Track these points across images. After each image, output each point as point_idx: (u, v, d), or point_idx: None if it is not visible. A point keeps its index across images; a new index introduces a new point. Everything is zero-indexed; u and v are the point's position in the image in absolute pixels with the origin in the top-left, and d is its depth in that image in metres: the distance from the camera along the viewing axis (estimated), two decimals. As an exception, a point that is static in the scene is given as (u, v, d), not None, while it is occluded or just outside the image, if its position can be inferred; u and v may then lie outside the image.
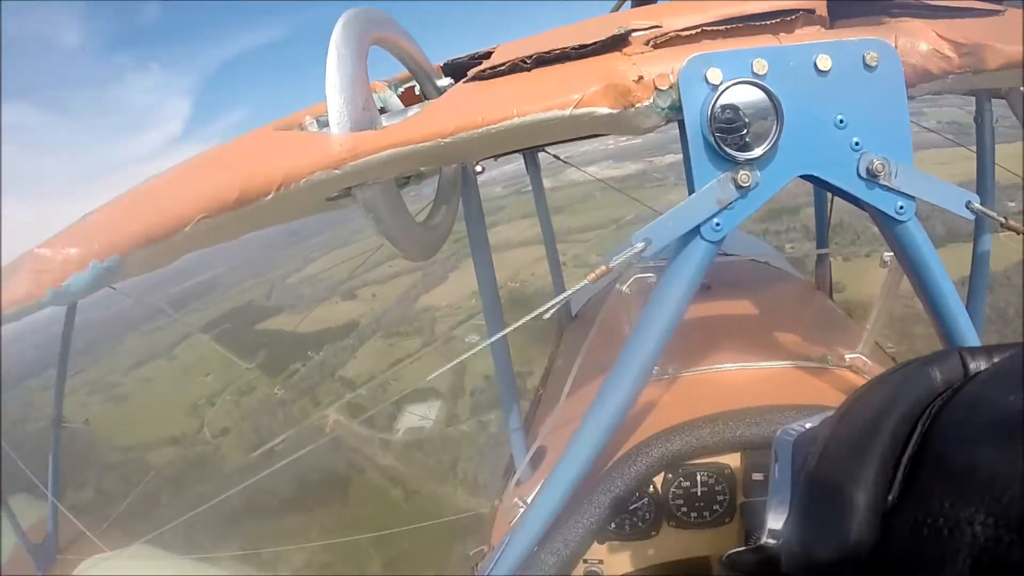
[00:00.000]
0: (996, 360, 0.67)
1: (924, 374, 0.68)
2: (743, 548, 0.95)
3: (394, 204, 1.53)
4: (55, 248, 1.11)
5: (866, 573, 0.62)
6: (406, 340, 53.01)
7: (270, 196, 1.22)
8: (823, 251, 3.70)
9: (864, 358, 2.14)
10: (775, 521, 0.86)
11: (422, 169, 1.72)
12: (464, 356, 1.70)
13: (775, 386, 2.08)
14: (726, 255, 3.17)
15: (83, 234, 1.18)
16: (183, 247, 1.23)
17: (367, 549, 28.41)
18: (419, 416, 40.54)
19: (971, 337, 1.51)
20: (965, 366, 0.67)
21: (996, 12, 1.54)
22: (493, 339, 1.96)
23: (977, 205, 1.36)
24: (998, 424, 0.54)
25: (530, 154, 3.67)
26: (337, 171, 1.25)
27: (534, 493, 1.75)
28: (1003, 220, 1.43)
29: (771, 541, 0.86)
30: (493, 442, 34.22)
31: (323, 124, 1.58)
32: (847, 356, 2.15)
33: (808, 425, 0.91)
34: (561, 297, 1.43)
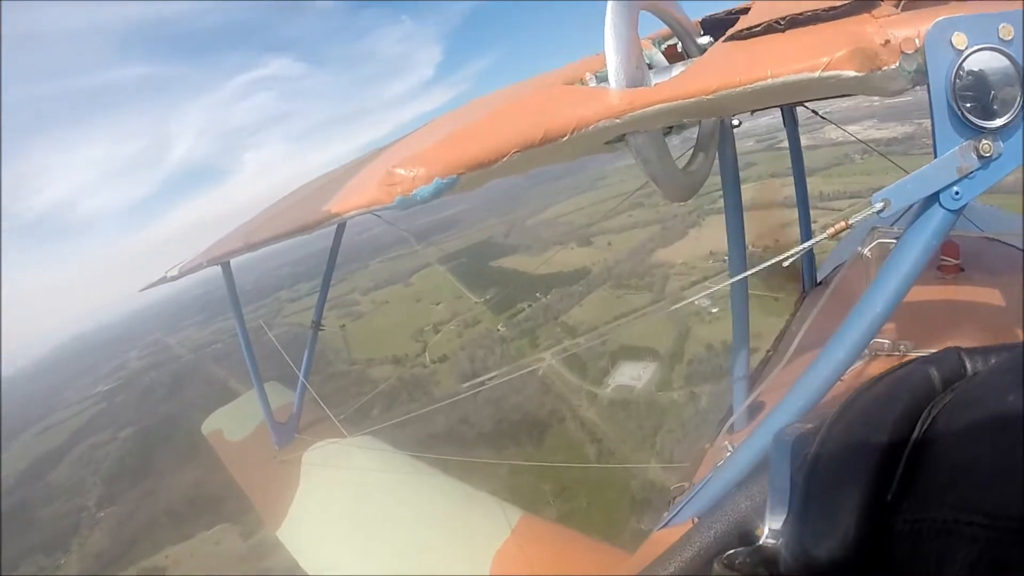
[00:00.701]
0: (994, 360, 0.68)
1: (923, 374, 0.69)
2: (742, 548, 0.95)
3: (660, 150, 1.73)
4: (408, 167, 1.30)
5: (865, 573, 0.62)
6: (635, 294, 52.37)
7: (566, 138, 1.38)
8: None
9: None
10: (775, 521, 0.85)
11: (685, 120, 1.86)
12: (703, 294, 2.03)
13: None
14: (987, 238, 3.10)
15: (427, 157, 1.34)
16: (499, 172, 1.41)
17: (547, 499, 28.82)
18: (631, 376, 40.02)
19: None
20: (964, 366, 0.69)
21: None
22: (735, 279, 2.05)
23: None
24: (997, 424, 0.54)
25: (788, 108, 3.65)
26: (618, 120, 1.40)
27: (742, 441, 1.76)
28: None
29: (770, 541, 0.86)
30: (699, 419, 32.96)
31: (601, 79, 1.87)
32: None
33: (807, 425, 0.91)
34: (798, 249, 1.48)
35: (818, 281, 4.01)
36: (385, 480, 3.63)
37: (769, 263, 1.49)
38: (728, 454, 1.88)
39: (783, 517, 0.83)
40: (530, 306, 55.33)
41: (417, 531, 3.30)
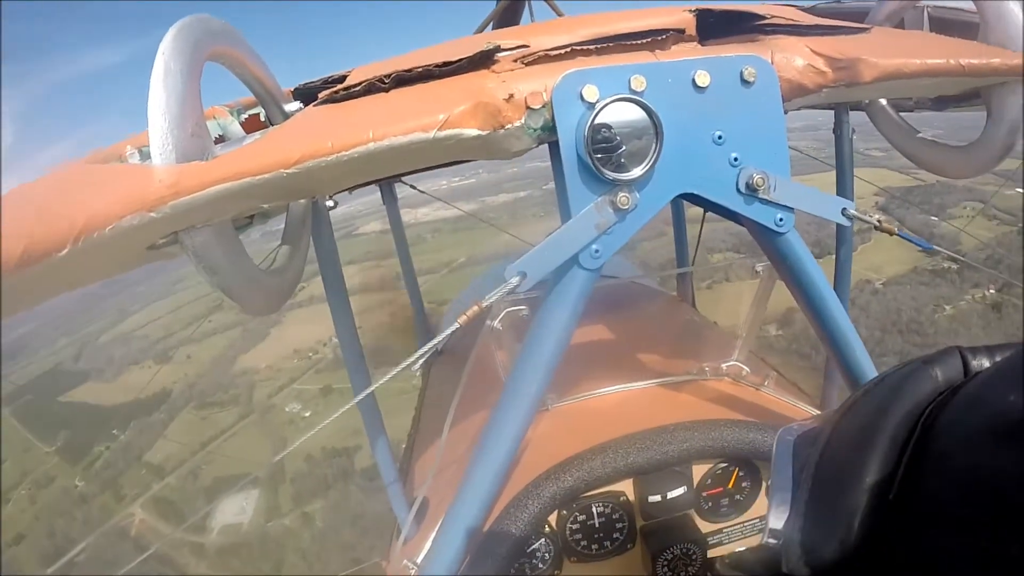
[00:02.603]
0: (997, 359, 0.67)
1: (924, 373, 0.68)
2: (743, 548, 0.95)
3: (231, 250, 1.26)
4: None
5: (867, 573, 0.62)
6: (221, 412, 50.63)
7: (65, 251, 0.92)
8: (685, 270, 3.71)
9: (741, 364, 2.17)
10: (776, 521, 0.83)
11: (265, 207, 1.42)
12: (338, 413, 1.52)
13: (657, 404, 2.07)
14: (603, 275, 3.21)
15: None
16: None
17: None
18: (235, 511, 38.48)
19: (854, 339, 1.59)
20: (966, 365, 0.68)
21: (864, 30, 1.62)
22: (360, 396, 1.72)
23: (852, 211, 1.42)
24: (999, 424, 0.54)
25: (387, 184, 3.46)
26: (153, 213, 1.00)
27: (423, 552, 1.72)
28: (877, 223, 1.50)
29: (772, 541, 0.83)
30: (320, 540, 33.40)
31: (146, 155, 1.32)
32: (723, 365, 2.18)
33: (807, 426, 0.91)
34: (433, 343, 1.32)
35: (439, 351, 3.72)
36: None
37: (395, 371, 1.34)
38: (413, 572, 1.77)
39: (783, 517, 0.80)
40: (108, 448, 49.68)
41: None
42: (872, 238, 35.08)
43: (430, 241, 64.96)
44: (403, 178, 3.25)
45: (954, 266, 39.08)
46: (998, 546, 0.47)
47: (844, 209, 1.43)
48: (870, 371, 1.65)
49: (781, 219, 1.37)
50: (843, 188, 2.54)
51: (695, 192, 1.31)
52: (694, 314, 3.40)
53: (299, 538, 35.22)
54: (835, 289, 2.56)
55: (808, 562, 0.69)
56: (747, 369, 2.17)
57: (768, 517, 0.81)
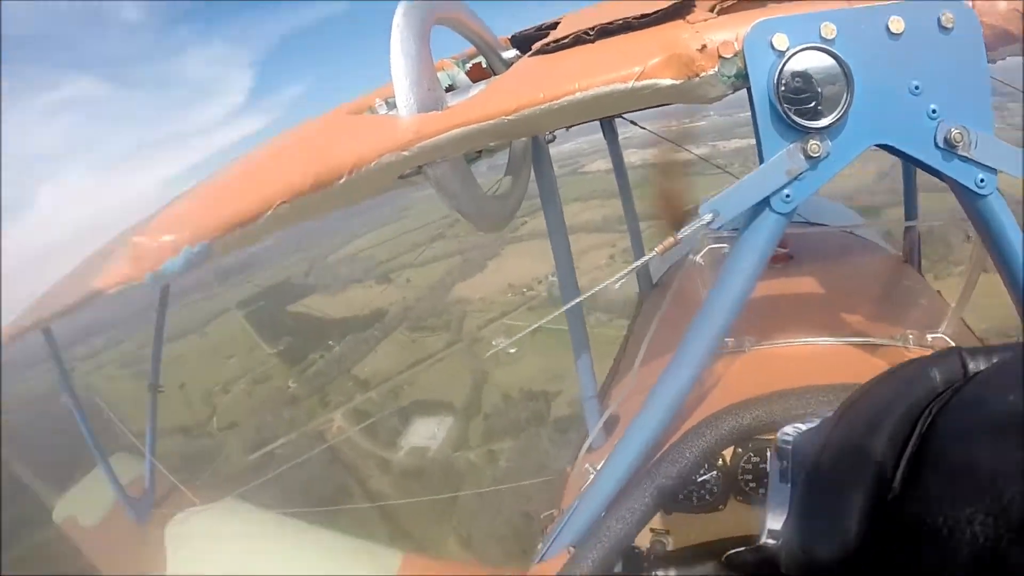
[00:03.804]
0: (996, 360, 0.68)
1: (924, 374, 0.69)
2: (743, 548, 0.96)
3: (464, 179, 1.58)
4: (151, 236, 1.17)
5: (866, 573, 0.63)
6: (431, 336, 50.77)
7: (342, 180, 1.25)
8: (911, 223, 3.44)
9: (947, 338, 2.06)
10: (775, 521, 0.87)
11: (490, 145, 1.74)
12: (543, 321, 1.72)
13: (849, 364, 2.02)
14: (811, 224, 3.16)
15: (175, 221, 1.25)
16: (264, 230, 1.27)
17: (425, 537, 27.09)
18: (425, 435, 38.17)
19: None
20: (965, 366, 0.68)
21: None
22: (568, 306, 1.97)
23: None
24: (997, 424, 0.54)
25: (607, 121, 3.61)
26: (405, 153, 1.28)
27: (603, 462, 1.75)
28: None
29: (771, 541, 0.87)
30: (501, 476, 31.67)
31: (392, 106, 1.64)
32: (929, 336, 2.07)
33: (807, 426, 0.92)
34: (628, 269, 1.44)
35: (653, 283, 4.01)
36: (257, 544, 3.45)
37: (602, 285, 1.47)
38: (591, 476, 1.85)
39: (783, 517, 0.84)
40: (322, 357, 52.37)
41: None
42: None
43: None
44: (625, 115, 3.37)
45: None
46: (997, 545, 0.47)
47: None
48: None
49: (983, 180, 1.29)
50: None
51: (890, 143, 1.28)
52: (912, 276, 3.22)
53: (479, 475, 35.06)
54: None
55: (806, 563, 0.72)
56: (953, 344, 2.02)
57: (766, 518, 0.88)
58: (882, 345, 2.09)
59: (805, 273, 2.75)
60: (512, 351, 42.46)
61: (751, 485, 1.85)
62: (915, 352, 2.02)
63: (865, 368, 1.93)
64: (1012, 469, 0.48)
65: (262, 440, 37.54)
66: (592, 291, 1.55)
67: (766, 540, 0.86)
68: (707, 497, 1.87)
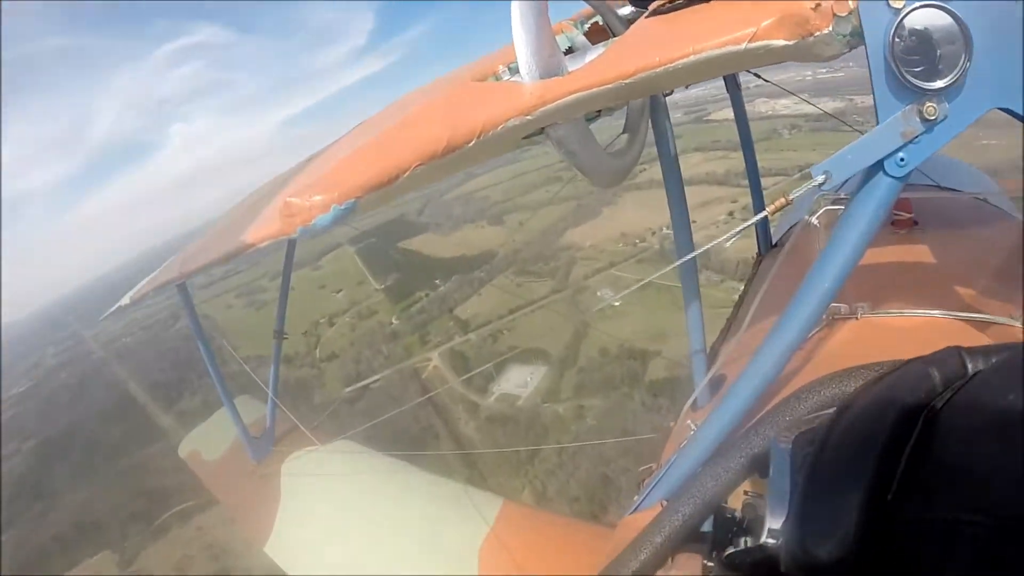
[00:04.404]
0: (995, 360, 0.69)
1: (924, 374, 0.70)
2: (742, 548, 0.96)
3: (584, 138, 1.65)
4: (303, 196, 1.29)
5: (866, 572, 0.63)
6: (536, 282, 50.34)
7: (472, 143, 1.35)
8: None
9: None
10: (775, 521, 0.87)
11: (610, 105, 1.78)
12: (658, 274, 1.85)
13: (961, 339, 1.50)
14: (940, 188, 3.09)
15: (324, 183, 1.35)
16: (403, 189, 1.37)
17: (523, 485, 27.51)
18: (517, 383, 38.05)
19: None
20: (964, 366, 0.69)
21: None
22: (682, 260, 2.06)
23: None
24: (996, 423, 0.55)
25: (731, 76, 3.58)
26: (529, 116, 1.35)
27: (705, 418, 1.76)
28: None
29: (771, 541, 0.87)
30: (583, 438, 31.09)
31: (515, 71, 1.73)
32: None
33: (808, 426, 0.93)
34: (740, 228, 1.47)
35: (773, 244, 3.93)
36: (366, 483, 3.69)
37: (717, 242, 1.50)
38: (692, 432, 1.88)
39: (783, 517, 0.84)
40: (427, 295, 53.40)
41: (403, 532, 3.36)
42: None
43: (786, 138, 57.47)
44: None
45: None
46: (997, 545, 0.48)
47: None
48: None
49: None
50: None
51: (1011, 107, 1.21)
52: None
53: (564, 430, 34.48)
54: None
55: (807, 562, 0.72)
56: None
57: (767, 517, 0.88)
58: (997, 323, 2.01)
59: (928, 241, 2.65)
60: (616, 304, 41.75)
61: None
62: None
63: (971, 344, 1.75)
64: (1011, 468, 0.48)
65: (360, 374, 39.13)
66: (704, 248, 1.55)
67: (766, 539, 0.85)
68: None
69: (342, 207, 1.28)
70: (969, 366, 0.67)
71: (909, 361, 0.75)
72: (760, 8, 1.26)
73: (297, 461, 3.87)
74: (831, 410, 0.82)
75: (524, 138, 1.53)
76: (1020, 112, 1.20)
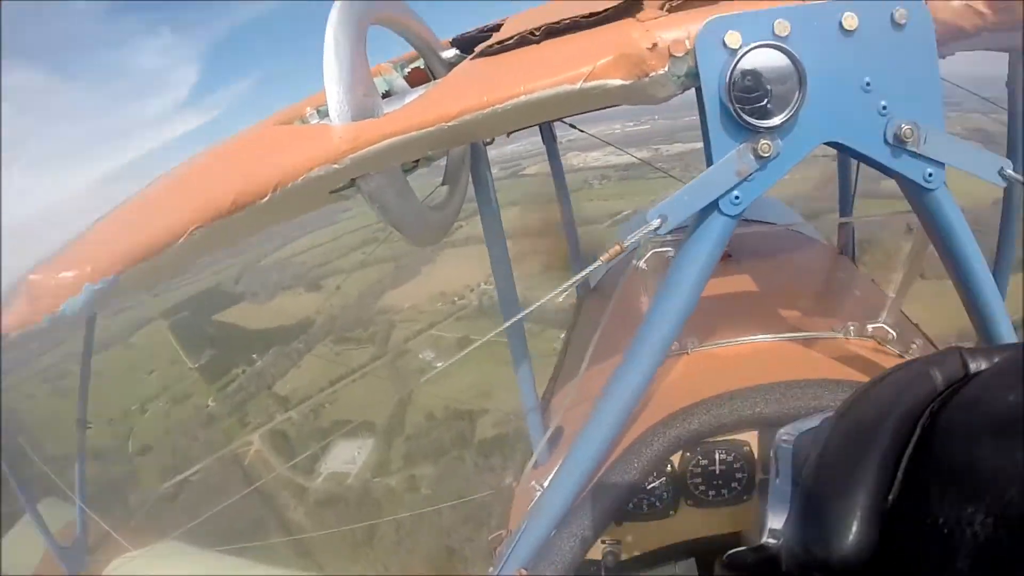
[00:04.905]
0: (996, 360, 0.68)
1: (924, 374, 0.69)
2: (743, 548, 0.96)
3: (400, 191, 1.50)
4: (48, 274, 1.10)
5: (867, 573, 0.63)
6: (356, 350, 49.85)
7: (266, 198, 1.17)
8: (846, 219, 3.53)
9: (887, 328, 2.07)
10: (775, 521, 0.86)
11: (429, 152, 1.67)
12: (487, 338, 1.70)
13: (794, 359, 2.04)
14: (748, 221, 3.03)
15: (76, 256, 1.18)
16: (180, 260, 1.19)
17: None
18: (344, 459, 37.37)
19: (999, 311, 1.48)
20: (965, 366, 0.68)
21: None
22: (509, 323, 1.97)
23: (1010, 171, 1.29)
24: (998, 424, 0.54)
25: (546, 125, 3.56)
26: (337, 165, 1.20)
27: (551, 476, 1.72)
28: None
29: (771, 541, 0.86)
30: (420, 502, 31.05)
31: (324, 115, 1.57)
32: (869, 326, 2.09)
33: (808, 426, 0.93)
34: (574, 279, 1.46)
35: (592, 287, 3.99)
36: None
37: (545, 299, 1.49)
38: (539, 493, 1.83)
39: (784, 517, 0.84)
40: (244, 371, 50.91)
41: None
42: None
43: (596, 188, 61.04)
44: (566, 119, 3.32)
45: None
46: (997, 546, 0.48)
47: (1001, 169, 1.29)
48: None
49: (931, 174, 1.29)
50: (1014, 146, 2.42)
51: (840, 141, 1.27)
52: (849, 268, 3.29)
53: (398, 503, 34.34)
54: (997, 260, 2.92)
55: (808, 562, 0.72)
56: (893, 333, 2.09)
57: (767, 517, 0.87)
58: (823, 338, 2.11)
59: (745, 271, 2.75)
60: (438, 365, 41.94)
61: (701, 488, 1.85)
62: (855, 343, 2.08)
63: (808, 362, 1.98)
64: (1012, 469, 0.48)
65: (176, 467, 36.51)
66: (536, 305, 1.52)
67: (767, 540, 0.85)
68: (657, 504, 1.87)
69: (97, 286, 1.09)
70: (970, 366, 0.68)
71: (909, 361, 0.75)
72: (595, 48, 1.26)
73: (119, 571, 3.48)
74: (829, 413, 0.84)
75: (333, 192, 1.36)
76: (847, 145, 1.27)
